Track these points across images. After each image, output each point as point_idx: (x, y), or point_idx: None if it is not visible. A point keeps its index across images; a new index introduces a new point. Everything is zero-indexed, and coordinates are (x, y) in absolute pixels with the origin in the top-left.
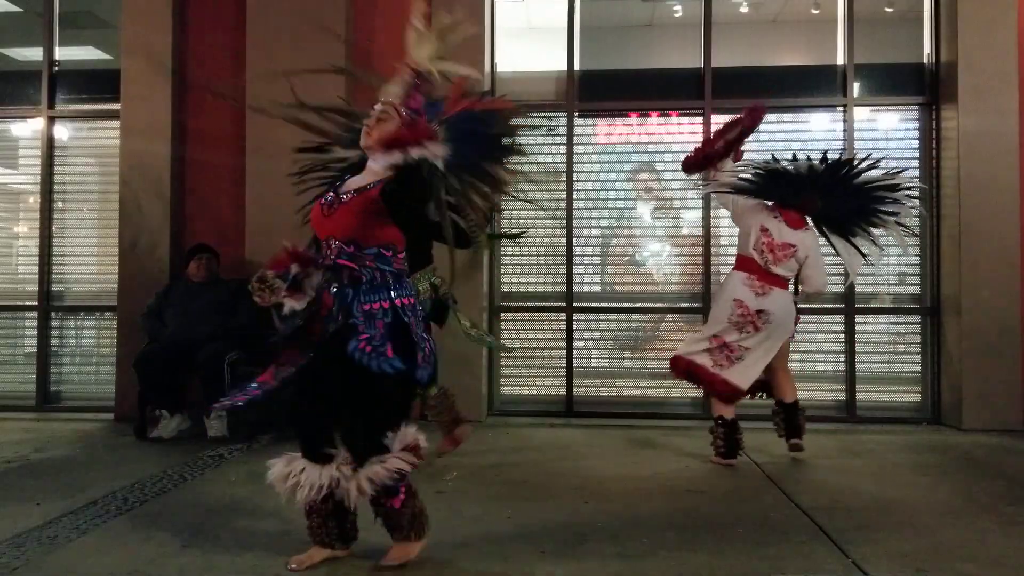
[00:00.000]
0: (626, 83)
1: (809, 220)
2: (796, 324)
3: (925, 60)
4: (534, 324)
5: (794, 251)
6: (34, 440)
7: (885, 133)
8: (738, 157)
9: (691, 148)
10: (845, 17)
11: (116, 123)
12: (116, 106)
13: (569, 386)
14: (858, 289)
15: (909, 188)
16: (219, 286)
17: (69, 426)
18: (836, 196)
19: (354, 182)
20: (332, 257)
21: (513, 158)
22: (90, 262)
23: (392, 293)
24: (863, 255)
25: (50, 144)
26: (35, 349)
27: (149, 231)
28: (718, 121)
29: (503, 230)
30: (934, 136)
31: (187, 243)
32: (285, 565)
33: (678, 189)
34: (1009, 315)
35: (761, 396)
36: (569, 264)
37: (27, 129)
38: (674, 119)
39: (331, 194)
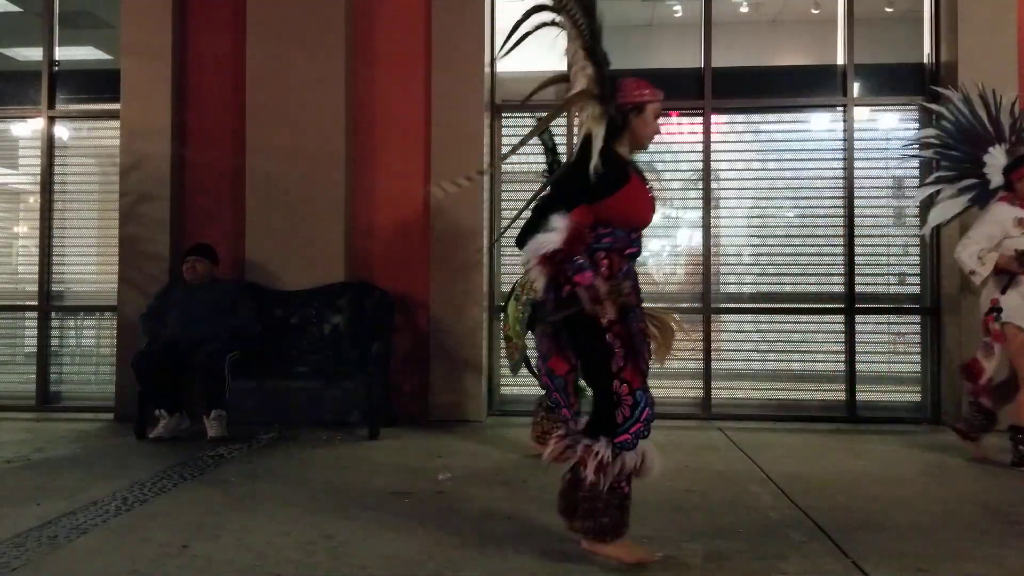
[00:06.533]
0: None
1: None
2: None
3: (925, 60)
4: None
5: None
6: (34, 440)
7: (885, 133)
8: None
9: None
10: (845, 17)
11: (116, 123)
12: (116, 106)
13: None
14: (858, 289)
15: None
16: (218, 286)
17: (69, 426)
18: None
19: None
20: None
21: None
22: (90, 262)
23: None
24: None
25: (50, 144)
26: (35, 349)
27: (149, 231)
28: (718, 121)
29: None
30: None
31: (187, 243)
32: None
33: (678, 189)
34: None
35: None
36: None
37: (27, 129)
38: (674, 119)
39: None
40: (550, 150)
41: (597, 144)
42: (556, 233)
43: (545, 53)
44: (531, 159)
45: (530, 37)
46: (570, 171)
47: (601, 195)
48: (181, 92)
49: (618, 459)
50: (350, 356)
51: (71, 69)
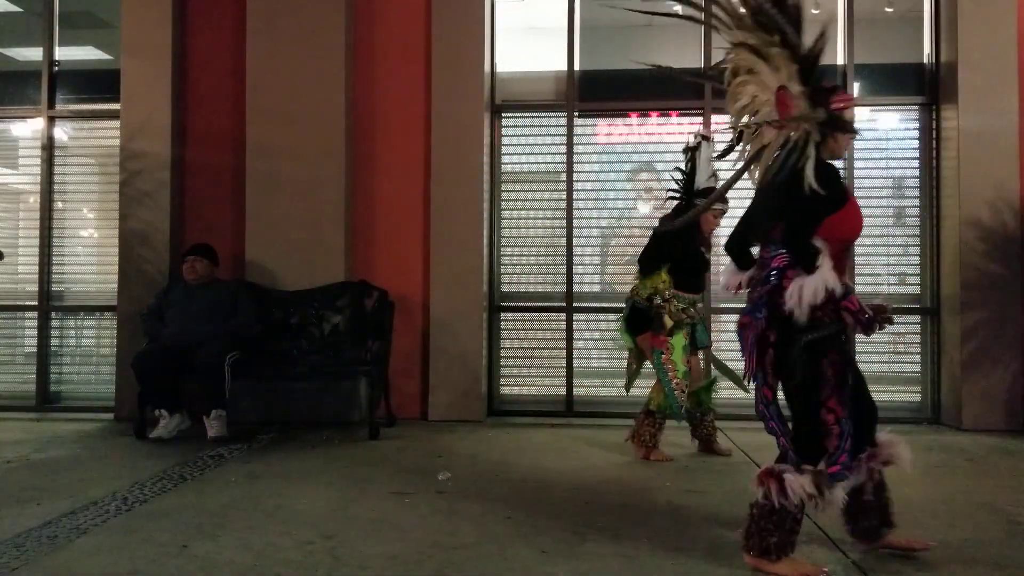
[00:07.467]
0: (626, 83)
1: None
2: None
3: (925, 60)
4: (534, 324)
5: None
6: (34, 440)
7: (885, 133)
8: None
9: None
10: (845, 17)
11: (116, 123)
12: (116, 106)
13: (569, 386)
14: (857, 289)
15: None
16: (218, 286)
17: (69, 426)
18: None
19: None
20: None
21: None
22: (90, 262)
23: None
24: None
25: (50, 144)
26: (35, 349)
27: (149, 231)
28: (718, 121)
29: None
30: (934, 136)
31: (187, 243)
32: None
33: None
34: (1009, 315)
35: None
36: (569, 264)
37: (27, 129)
38: (674, 119)
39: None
40: (688, 173)
41: (811, 161)
42: (825, 270)
43: (545, 53)
44: (531, 159)
45: (529, 37)
46: (789, 192)
47: (828, 213)
48: (181, 92)
49: (824, 490)
50: (350, 356)
51: (71, 69)
